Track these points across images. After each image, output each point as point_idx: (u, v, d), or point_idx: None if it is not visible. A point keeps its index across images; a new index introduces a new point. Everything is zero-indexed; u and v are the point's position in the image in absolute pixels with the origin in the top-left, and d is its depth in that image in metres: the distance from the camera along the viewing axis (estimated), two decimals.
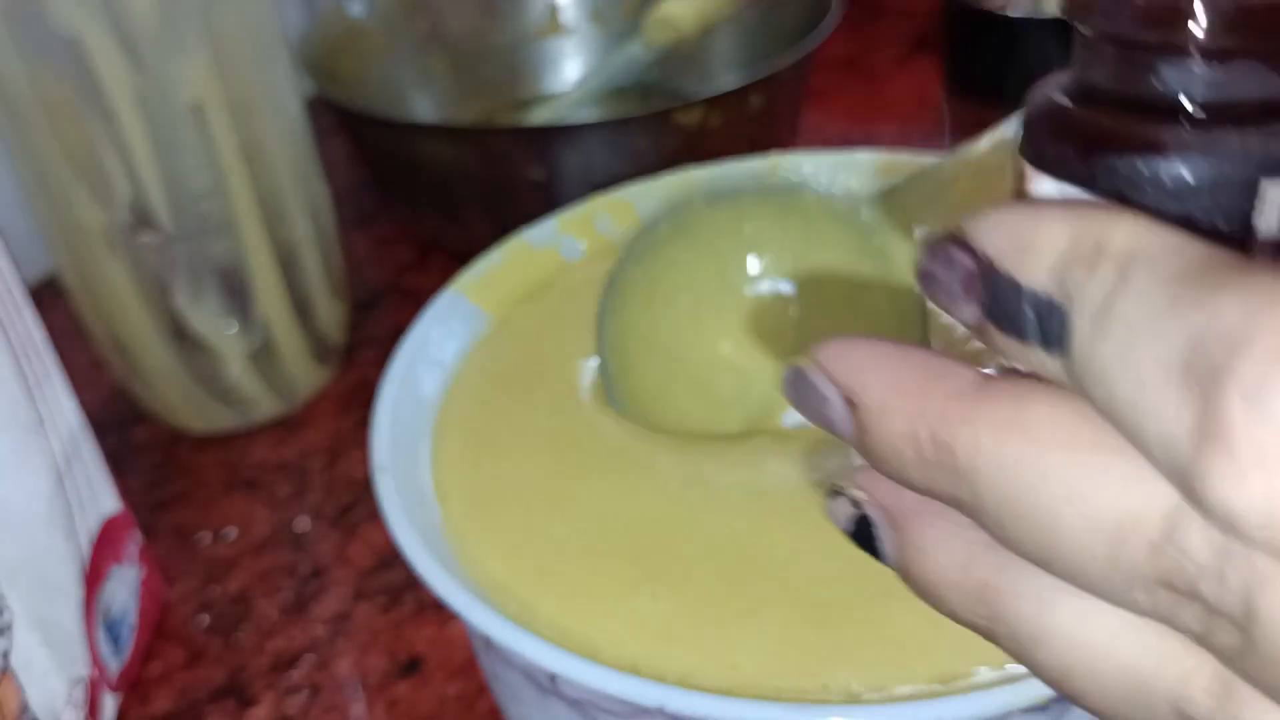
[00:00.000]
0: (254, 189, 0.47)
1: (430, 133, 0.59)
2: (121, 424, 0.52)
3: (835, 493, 0.16)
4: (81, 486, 0.38)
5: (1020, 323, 0.13)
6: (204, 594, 0.44)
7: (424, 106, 0.69)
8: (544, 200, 0.54)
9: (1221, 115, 0.13)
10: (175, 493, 0.49)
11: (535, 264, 0.40)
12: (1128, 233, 0.12)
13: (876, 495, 0.16)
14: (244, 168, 0.46)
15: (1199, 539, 0.12)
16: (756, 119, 0.57)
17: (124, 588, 0.40)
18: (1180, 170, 0.13)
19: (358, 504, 0.47)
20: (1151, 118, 0.13)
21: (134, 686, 0.40)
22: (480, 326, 0.38)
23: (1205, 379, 0.11)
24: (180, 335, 0.48)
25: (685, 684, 0.26)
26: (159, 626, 0.43)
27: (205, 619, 0.43)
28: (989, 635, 0.15)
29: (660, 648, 0.27)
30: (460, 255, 0.42)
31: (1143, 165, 0.13)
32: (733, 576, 0.29)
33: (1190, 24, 0.13)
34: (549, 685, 0.28)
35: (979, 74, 0.74)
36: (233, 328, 0.48)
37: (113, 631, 0.39)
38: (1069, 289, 0.13)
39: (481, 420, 0.34)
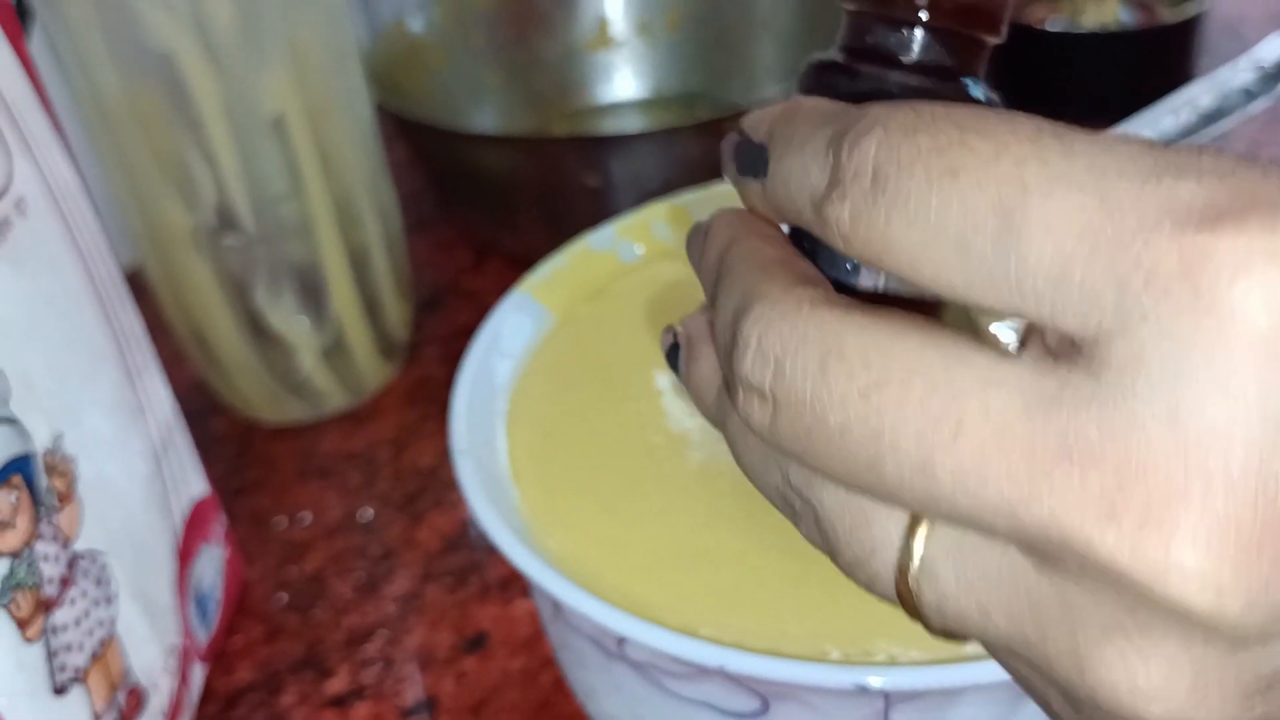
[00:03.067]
0: (329, 193, 0.50)
1: (489, 142, 0.61)
2: (200, 415, 0.55)
3: (668, 329, 0.23)
4: (175, 470, 0.41)
5: (746, 161, 0.20)
6: (281, 574, 0.47)
7: (480, 118, 0.71)
8: (598, 206, 0.57)
9: (890, 61, 0.21)
10: (251, 480, 0.52)
11: (595, 266, 0.43)
12: (810, 105, 0.19)
13: (687, 329, 0.22)
14: (320, 173, 0.49)
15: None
16: None
17: (211, 565, 0.43)
18: (850, 86, 0.21)
19: (424, 492, 0.50)
20: (853, 57, 0.21)
21: (218, 659, 0.43)
22: (546, 324, 0.40)
23: (835, 150, 0.17)
24: (258, 331, 0.51)
25: (741, 647, 0.28)
26: (240, 604, 0.45)
27: (284, 597, 0.46)
28: (720, 428, 0.21)
29: (717, 614, 0.30)
30: (516, 259, 0.45)
31: (836, 79, 0.21)
32: (784, 549, 0.31)
33: (892, 7, 0.21)
34: (615, 649, 0.30)
35: (1019, 88, 0.76)
36: (307, 324, 0.51)
37: (201, 606, 0.42)
38: (771, 139, 0.20)
39: (552, 409, 0.37)
